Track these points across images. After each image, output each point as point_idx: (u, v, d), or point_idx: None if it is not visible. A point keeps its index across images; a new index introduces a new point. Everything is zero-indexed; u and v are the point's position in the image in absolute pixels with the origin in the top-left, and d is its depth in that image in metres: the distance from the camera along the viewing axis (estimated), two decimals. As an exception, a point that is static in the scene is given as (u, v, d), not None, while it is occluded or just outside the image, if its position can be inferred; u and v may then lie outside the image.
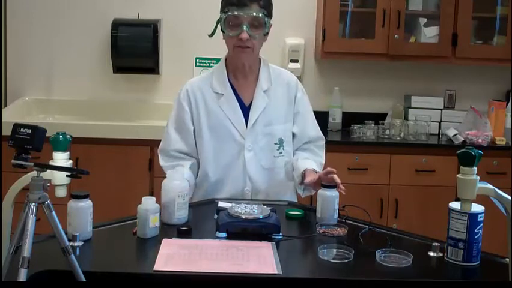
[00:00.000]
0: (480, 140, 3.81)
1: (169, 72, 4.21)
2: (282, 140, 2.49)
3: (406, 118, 4.09)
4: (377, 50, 3.94)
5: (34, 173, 1.52)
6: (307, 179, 2.33)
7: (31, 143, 1.51)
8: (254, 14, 2.30)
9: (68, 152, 1.81)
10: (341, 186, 2.17)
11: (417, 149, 3.84)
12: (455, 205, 1.85)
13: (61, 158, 1.79)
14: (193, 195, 2.44)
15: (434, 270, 1.86)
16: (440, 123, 4.12)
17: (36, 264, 1.54)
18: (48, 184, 1.52)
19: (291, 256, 1.88)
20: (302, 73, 4.15)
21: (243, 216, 2.02)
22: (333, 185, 2.19)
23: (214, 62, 4.17)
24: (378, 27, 3.91)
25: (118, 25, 4.01)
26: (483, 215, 1.83)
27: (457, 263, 1.83)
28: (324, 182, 2.21)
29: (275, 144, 2.48)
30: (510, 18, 3.94)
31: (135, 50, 4.04)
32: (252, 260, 1.78)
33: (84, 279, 1.54)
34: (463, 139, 3.87)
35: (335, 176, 2.19)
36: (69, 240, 1.61)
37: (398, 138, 3.95)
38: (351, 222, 2.16)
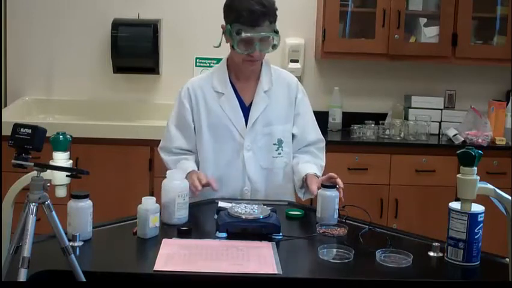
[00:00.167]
0: (480, 140, 3.81)
1: (169, 72, 4.21)
2: (281, 140, 2.49)
3: (406, 118, 4.08)
4: (377, 50, 3.94)
5: (34, 173, 1.53)
6: (313, 187, 2.30)
7: (31, 143, 1.51)
8: (266, 34, 2.30)
9: (68, 152, 1.81)
10: (341, 192, 2.19)
11: (417, 149, 3.84)
12: (455, 205, 1.85)
13: (61, 158, 1.79)
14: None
15: (434, 270, 1.86)
16: (440, 123, 4.11)
17: (36, 264, 1.54)
18: (48, 184, 1.52)
19: (291, 256, 1.88)
20: (302, 73, 4.15)
21: (243, 216, 2.02)
22: (333, 185, 2.19)
23: (214, 62, 4.18)
24: (378, 27, 3.91)
25: (118, 25, 4.01)
26: (483, 215, 1.84)
27: (457, 263, 1.83)
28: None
29: (274, 144, 2.48)
30: (510, 18, 3.94)
31: (135, 50, 4.04)
32: (252, 260, 1.78)
33: (84, 279, 1.54)
34: (463, 139, 3.87)
35: (338, 180, 2.21)
36: (69, 240, 1.61)
37: (398, 138, 3.95)
38: (351, 222, 2.16)
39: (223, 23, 2.38)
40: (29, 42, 4.20)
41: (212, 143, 2.46)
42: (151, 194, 3.48)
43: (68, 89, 4.23)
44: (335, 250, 1.87)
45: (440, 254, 1.89)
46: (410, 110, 4.11)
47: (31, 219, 1.48)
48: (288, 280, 1.71)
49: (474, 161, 1.72)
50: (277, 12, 2.35)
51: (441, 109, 4.13)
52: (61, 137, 1.80)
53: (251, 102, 2.46)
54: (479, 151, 1.74)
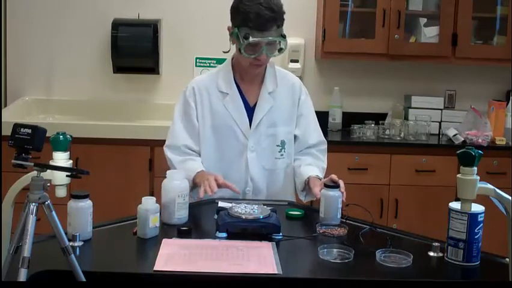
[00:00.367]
0: (480, 140, 3.81)
1: (169, 72, 4.21)
2: (284, 142, 2.49)
3: (406, 118, 4.08)
4: (377, 50, 3.94)
5: (34, 173, 1.53)
6: (315, 190, 2.28)
7: (31, 143, 1.51)
8: (274, 38, 2.29)
9: (68, 152, 1.81)
10: (344, 195, 2.19)
11: (417, 149, 3.84)
12: (455, 205, 1.85)
13: (61, 158, 1.79)
14: (193, 194, 2.44)
15: (434, 270, 1.86)
16: (440, 123, 4.11)
17: (36, 264, 1.54)
18: (48, 184, 1.52)
19: (291, 256, 1.88)
20: (302, 73, 4.15)
21: (243, 216, 2.02)
22: (336, 185, 2.19)
23: (214, 62, 4.18)
24: (378, 27, 3.91)
25: (118, 25, 4.01)
26: (483, 215, 1.84)
27: (457, 263, 1.84)
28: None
29: (277, 146, 2.48)
30: (510, 18, 3.94)
31: (135, 50, 4.04)
32: (252, 260, 1.78)
33: (84, 279, 1.54)
34: (463, 139, 3.87)
35: (340, 181, 2.21)
36: (69, 240, 1.61)
37: (398, 138, 3.95)
38: (352, 222, 2.16)
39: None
40: (29, 42, 4.20)
41: (215, 142, 2.46)
42: (151, 194, 3.48)
43: (68, 89, 4.23)
44: (335, 250, 1.87)
45: (440, 254, 1.89)
46: (410, 110, 4.11)
47: (31, 219, 1.48)
48: (288, 280, 1.71)
49: (474, 161, 1.72)
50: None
51: (441, 109, 4.13)
52: (61, 137, 1.80)
53: (255, 103, 2.46)
54: (479, 151, 1.74)
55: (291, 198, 2.53)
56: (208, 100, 2.46)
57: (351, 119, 4.11)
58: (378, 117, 4.15)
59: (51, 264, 1.67)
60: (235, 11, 2.33)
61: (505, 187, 1.86)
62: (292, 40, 4.12)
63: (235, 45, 2.37)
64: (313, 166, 2.47)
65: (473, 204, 1.77)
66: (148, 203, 1.97)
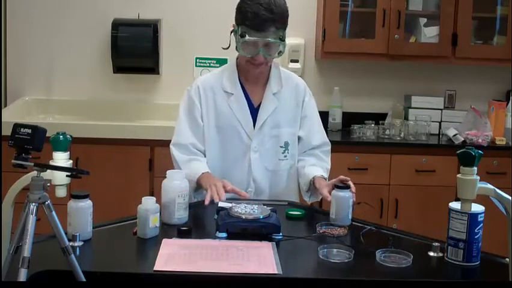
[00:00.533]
0: (480, 140, 3.81)
1: (169, 72, 4.21)
2: (288, 143, 2.49)
3: (406, 118, 4.08)
4: (377, 50, 3.94)
5: (34, 173, 1.53)
6: (324, 192, 2.26)
7: (31, 143, 1.51)
8: (270, 39, 2.28)
9: (68, 152, 1.81)
10: (354, 196, 2.18)
11: (417, 149, 3.84)
12: (455, 205, 1.85)
13: (61, 158, 1.79)
14: (196, 194, 2.43)
15: (434, 270, 1.86)
16: (440, 123, 4.11)
17: (36, 264, 1.54)
18: (48, 184, 1.52)
19: (291, 256, 1.88)
20: (302, 73, 4.14)
21: (243, 216, 2.02)
22: (347, 186, 2.18)
23: (214, 62, 4.18)
24: (378, 27, 3.91)
25: (118, 25, 4.01)
26: (483, 215, 1.84)
27: (457, 263, 1.84)
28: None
29: (281, 147, 2.48)
30: (510, 18, 3.94)
31: (135, 50, 4.04)
32: (252, 260, 1.78)
33: (84, 279, 1.54)
34: (463, 139, 3.87)
35: (350, 182, 2.21)
36: (69, 240, 1.61)
37: (398, 138, 3.95)
38: (356, 223, 2.16)
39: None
40: (29, 42, 4.20)
41: (219, 142, 2.46)
42: (151, 194, 3.48)
43: (68, 89, 4.23)
44: (335, 250, 1.87)
45: (440, 254, 1.89)
46: (410, 110, 4.11)
47: (31, 219, 1.48)
48: (288, 280, 1.71)
49: (474, 161, 1.72)
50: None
51: (441, 109, 4.13)
52: (61, 137, 1.80)
53: (259, 104, 2.46)
54: (479, 151, 1.74)
55: (295, 199, 2.52)
56: (213, 99, 2.46)
57: (351, 119, 4.11)
58: (378, 117, 4.15)
59: (51, 264, 1.67)
60: (237, 10, 2.34)
61: (505, 187, 1.86)
62: (292, 40, 4.12)
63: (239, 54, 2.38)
64: (318, 166, 2.47)
65: (473, 204, 1.77)
66: (148, 203, 1.97)
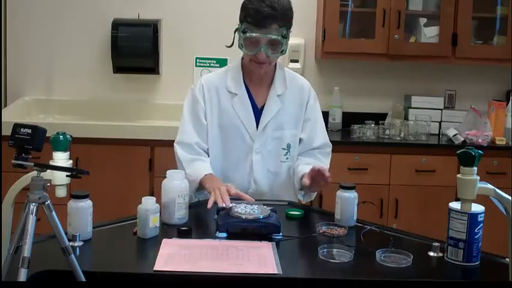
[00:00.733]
0: (480, 140, 3.81)
1: (169, 72, 4.21)
2: (290, 145, 2.48)
3: (406, 118, 4.08)
4: (377, 50, 3.94)
5: (34, 173, 1.53)
6: (304, 180, 2.29)
7: (31, 143, 1.51)
8: (273, 37, 2.27)
9: (68, 152, 1.81)
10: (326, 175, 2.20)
11: (417, 149, 3.84)
12: (455, 205, 1.85)
13: (61, 158, 1.79)
14: (198, 194, 2.43)
15: (434, 270, 1.86)
16: (440, 123, 4.11)
17: (36, 264, 1.54)
18: (48, 184, 1.52)
19: (291, 256, 1.88)
20: (302, 73, 4.14)
21: (243, 216, 2.02)
22: (352, 186, 2.18)
23: (214, 62, 4.18)
24: (378, 27, 3.91)
25: (118, 25, 4.01)
26: (483, 215, 1.84)
27: (457, 263, 1.83)
28: (313, 174, 2.23)
29: (283, 149, 2.47)
30: (510, 18, 3.94)
31: (135, 50, 4.04)
32: (252, 260, 1.78)
33: (84, 279, 1.54)
34: (463, 139, 3.87)
35: (320, 170, 2.22)
36: (69, 240, 1.61)
37: (398, 138, 3.95)
38: (359, 224, 2.16)
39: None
40: (29, 42, 4.20)
41: (221, 142, 2.45)
42: (151, 194, 3.48)
43: (68, 89, 4.23)
44: (335, 250, 1.87)
45: (440, 254, 1.89)
46: (410, 110, 4.11)
47: (31, 219, 1.48)
48: (288, 280, 1.71)
49: (474, 161, 1.72)
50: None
51: (441, 109, 4.13)
52: (61, 137, 1.80)
53: (263, 105, 2.45)
54: (479, 151, 1.74)
55: (295, 199, 2.52)
56: (217, 99, 2.45)
57: (351, 119, 4.11)
58: (378, 117, 4.15)
59: (51, 264, 1.67)
60: (241, 7, 2.34)
61: (505, 187, 1.86)
62: (292, 40, 4.08)
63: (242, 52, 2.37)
64: (311, 165, 2.44)
65: (473, 204, 1.77)
66: (148, 203, 1.97)
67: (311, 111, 2.51)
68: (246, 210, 2.05)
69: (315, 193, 2.53)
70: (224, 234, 1.98)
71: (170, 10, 4.19)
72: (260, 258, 1.80)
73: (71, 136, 1.82)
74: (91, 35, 4.19)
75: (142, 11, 4.15)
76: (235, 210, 2.05)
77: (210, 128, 2.45)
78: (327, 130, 4.05)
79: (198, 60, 4.22)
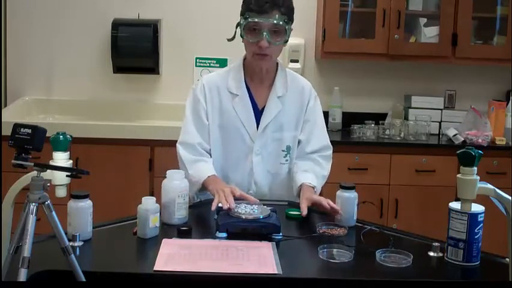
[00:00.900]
0: (480, 140, 3.81)
1: (169, 72, 4.21)
2: (290, 147, 2.47)
3: (406, 118, 4.08)
4: (377, 50, 3.94)
5: (34, 173, 1.52)
6: (302, 206, 2.20)
7: (31, 143, 1.51)
8: (274, 21, 2.26)
9: (68, 152, 1.81)
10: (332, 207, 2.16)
11: (417, 149, 3.84)
12: (455, 205, 1.85)
13: (61, 158, 1.79)
14: (200, 194, 2.43)
15: (434, 270, 1.86)
16: (440, 123, 4.11)
17: (36, 264, 1.54)
18: (48, 184, 1.52)
19: (291, 256, 1.88)
20: (302, 73, 4.14)
21: (243, 216, 2.02)
22: (352, 186, 2.17)
23: (214, 62, 4.18)
24: (378, 27, 3.91)
25: (118, 25, 4.01)
26: (483, 215, 1.84)
27: (457, 263, 1.83)
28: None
29: (282, 151, 2.47)
30: (510, 18, 3.94)
31: (135, 50, 4.04)
32: (252, 260, 1.78)
33: (84, 279, 1.54)
34: (463, 139, 3.87)
35: (324, 204, 2.18)
36: (69, 240, 1.61)
37: (398, 138, 3.95)
38: (359, 224, 2.16)
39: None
40: (29, 42, 4.20)
41: (221, 142, 2.45)
42: (151, 194, 3.48)
43: (68, 89, 4.23)
44: (335, 250, 1.87)
45: (440, 254, 1.89)
46: (410, 110, 4.11)
47: (31, 219, 1.47)
48: (288, 280, 1.71)
49: (474, 161, 1.72)
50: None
51: (441, 109, 4.13)
52: (61, 137, 1.80)
53: (264, 106, 2.45)
54: (479, 151, 1.74)
55: (295, 200, 2.51)
56: (218, 99, 2.45)
57: (351, 119, 4.11)
58: (378, 117, 4.15)
59: (51, 264, 1.67)
60: (242, 2, 2.33)
61: (505, 187, 1.86)
62: (292, 40, 4.09)
63: (245, 44, 2.36)
64: (310, 173, 2.43)
65: (473, 204, 1.77)
66: (148, 203, 1.97)
67: (311, 112, 2.50)
68: (246, 210, 2.05)
69: None
70: (224, 234, 1.98)
71: (170, 10, 4.19)
72: (260, 258, 1.80)
73: (71, 136, 1.82)
74: (91, 35, 4.19)
75: (142, 11, 4.15)
76: (235, 210, 2.05)
77: (210, 128, 2.44)
78: (327, 130, 4.09)
79: (198, 60, 4.22)
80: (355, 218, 2.16)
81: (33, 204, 1.49)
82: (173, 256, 1.79)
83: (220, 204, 2.14)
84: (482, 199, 1.77)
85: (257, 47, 2.30)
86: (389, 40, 3.91)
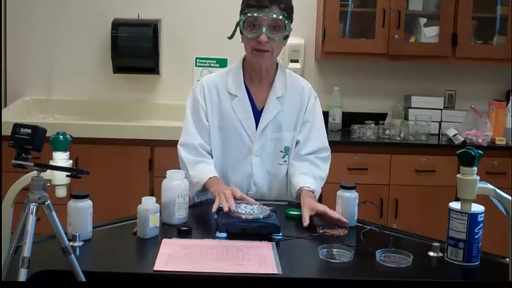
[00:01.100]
0: (480, 140, 3.81)
1: (169, 72, 4.21)
2: (288, 148, 2.47)
3: (406, 118, 4.09)
4: (377, 50, 3.94)
5: (34, 173, 1.52)
6: (305, 216, 2.15)
7: (31, 143, 1.51)
8: (274, 16, 2.27)
9: (68, 152, 1.81)
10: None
11: (417, 149, 3.84)
12: (455, 205, 1.85)
13: (61, 158, 1.79)
14: (201, 195, 2.43)
15: (434, 270, 1.86)
16: (440, 123, 4.12)
17: (36, 264, 1.54)
18: (48, 184, 1.52)
19: (291, 256, 1.88)
20: (302, 73, 4.14)
21: (243, 216, 2.02)
22: (352, 186, 2.17)
23: (214, 62, 4.18)
24: (378, 27, 3.92)
25: (118, 25, 4.01)
26: (483, 215, 1.83)
27: (457, 263, 1.83)
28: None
29: (281, 151, 2.46)
30: (510, 18, 3.94)
31: (135, 50, 4.04)
32: (252, 260, 1.78)
33: (84, 279, 1.54)
34: (463, 139, 3.87)
35: (329, 213, 2.16)
36: (69, 240, 1.61)
37: (398, 138, 3.95)
38: (359, 224, 2.16)
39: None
40: (29, 42, 4.20)
41: (221, 143, 2.45)
42: (151, 194, 3.48)
43: (68, 89, 4.24)
44: (335, 250, 1.87)
45: (440, 254, 1.89)
46: (410, 110, 4.11)
47: (31, 219, 1.47)
48: (288, 280, 1.71)
49: (474, 161, 1.72)
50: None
51: (441, 109, 4.14)
52: (61, 137, 1.80)
53: (263, 107, 2.44)
54: (479, 151, 1.74)
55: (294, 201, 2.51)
56: (218, 99, 2.44)
57: (351, 119, 4.11)
58: (378, 117, 4.15)
59: (51, 264, 1.67)
60: (242, 1, 2.34)
61: (505, 187, 1.86)
62: (292, 40, 4.11)
63: (244, 43, 2.36)
64: (308, 176, 2.41)
65: (473, 204, 1.77)
66: (148, 203, 1.97)
67: (310, 113, 2.49)
68: (246, 210, 2.05)
69: None
70: (224, 234, 1.98)
71: (170, 10, 4.19)
72: (260, 258, 1.80)
73: (71, 136, 1.82)
74: (91, 35, 4.19)
75: (142, 11, 4.15)
76: (235, 210, 2.05)
77: (211, 130, 2.44)
78: (327, 130, 4.09)
79: (198, 60, 4.22)
80: (356, 218, 2.16)
81: (33, 204, 1.49)
82: (173, 256, 1.79)
83: (225, 209, 2.12)
84: (482, 199, 1.77)
85: (256, 42, 2.30)
86: (389, 40, 3.91)
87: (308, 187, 2.34)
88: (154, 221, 1.95)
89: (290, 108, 2.46)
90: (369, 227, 2.06)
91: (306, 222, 2.12)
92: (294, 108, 2.47)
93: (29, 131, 1.52)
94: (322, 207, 2.18)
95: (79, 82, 4.22)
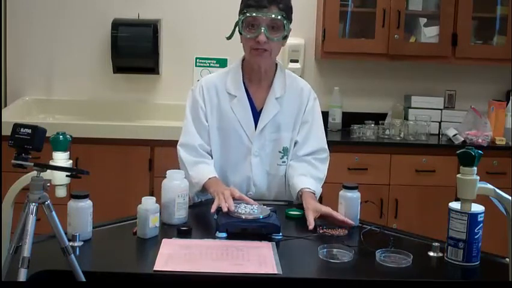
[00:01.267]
0: (480, 140, 3.81)
1: (169, 72, 4.21)
2: (287, 148, 2.46)
3: (406, 118, 4.09)
4: (377, 50, 3.94)
5: (34, 173, 1.52)
6: (310, 219, 2.13)
7: (31, 143, 1.51)
8: (273, 16, 2.27)
9: (68, 152, 1.81)
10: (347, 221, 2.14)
11: (417, 149, 3.84)
12: (455, 205, 1.85)
13: (61, 158, 1.79)
14: (201, 195, 2.43)
15: (434, 270, 1.86)
16: (440, 123, 4.12)
17: (36, 264, 1.54)
18: (48, 184, 1.52)
19: (291, 256, 1.88)
20: (302, 73, 4.14)
21: (243, 216, 2.02)
22: (355, 186, 2.16)
23: (214, 62, 4.18)
24: (378, 27, 3.91)
25: (118, 25, 4.01)
26: (483, 215, 1.84)
27: (457, 263, 1.83)
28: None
29: (279, 152, 2.46)
30: (510, 18, 3.94)
31: (135, 50, 4.04)
32: (252, 260, 1.78)
33: (84, 279, 1.54)
34: (463, 139, 3.87)
35: (333, 214, 2.16)
36: (69, 240, 1.61)
37: (398, 138, 3.95)
38: (362, 225, 2.16)
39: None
40: (29, 42, 4.20)
41: (220, 144, 2.44)
42: (151, 194, 3.48)
43: (68, 89, 4.24)
44: (335, 250, 1.87)
45: (440, 254, 1.89)
46: (410, 110, 4.11)
47: (31, 219, 1.47)
48: (288, 280, 1.71)
49: (474, 161, 1.72)
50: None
51: (441, 109, 4.14)
52: (61, 137, 1.80)
53: (262, 107, 2.44)
54: (479, 151, 1.74)
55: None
56: (217, 99, 2.44)
57: (351, 119, 4.11)
58: (378, 117, 4.15)
59: (51, 264, 1.67)
60: (241, 2, 2.34)
61: (505, 187, 1.86)
62: (292, 40, 4.11)
63: (243, 44, 2.36)
64: (307, 177, 2.40)
65: (473, 204, 1.77)
66: (148, 203, 1.97)
67: (309, 114, 2.48)
68: (245, 210, 2.05)
69: None
70: (224, 234, 1.98)
71: (170, 10, 4.19)
72: (260, 258, 1.80)
73: (71, 136, 1.82)
74: (91, 35, 4.19)
75: (142, 11, 4.15)
76: (235, 210, 2.05)
77: (210, 130, 2.44)
78: (327, 130, 4.09)
79: (198, 60, 4.22)
80: (358, 217, 2.15)
81: (33, 204, 1.49)
82: (173, 256, 1.79)
83: (224, 209, 2.12)
84: (482, 199, 1.77)
85: (255, 42, 2.30)
86: (389, 40, 3.91)
87: (309, 188, 2.34)
88: (154, 221, 1.95)
89: (289, 109, 2.46)
90: (369, 227, 2.06)
91: (311, 225, 2.11)
92: (293, 109, 2.47)
93: (29, 131, 1.52)
94: (326, 209, 2.18)
95: (79, 82, 4.22)
